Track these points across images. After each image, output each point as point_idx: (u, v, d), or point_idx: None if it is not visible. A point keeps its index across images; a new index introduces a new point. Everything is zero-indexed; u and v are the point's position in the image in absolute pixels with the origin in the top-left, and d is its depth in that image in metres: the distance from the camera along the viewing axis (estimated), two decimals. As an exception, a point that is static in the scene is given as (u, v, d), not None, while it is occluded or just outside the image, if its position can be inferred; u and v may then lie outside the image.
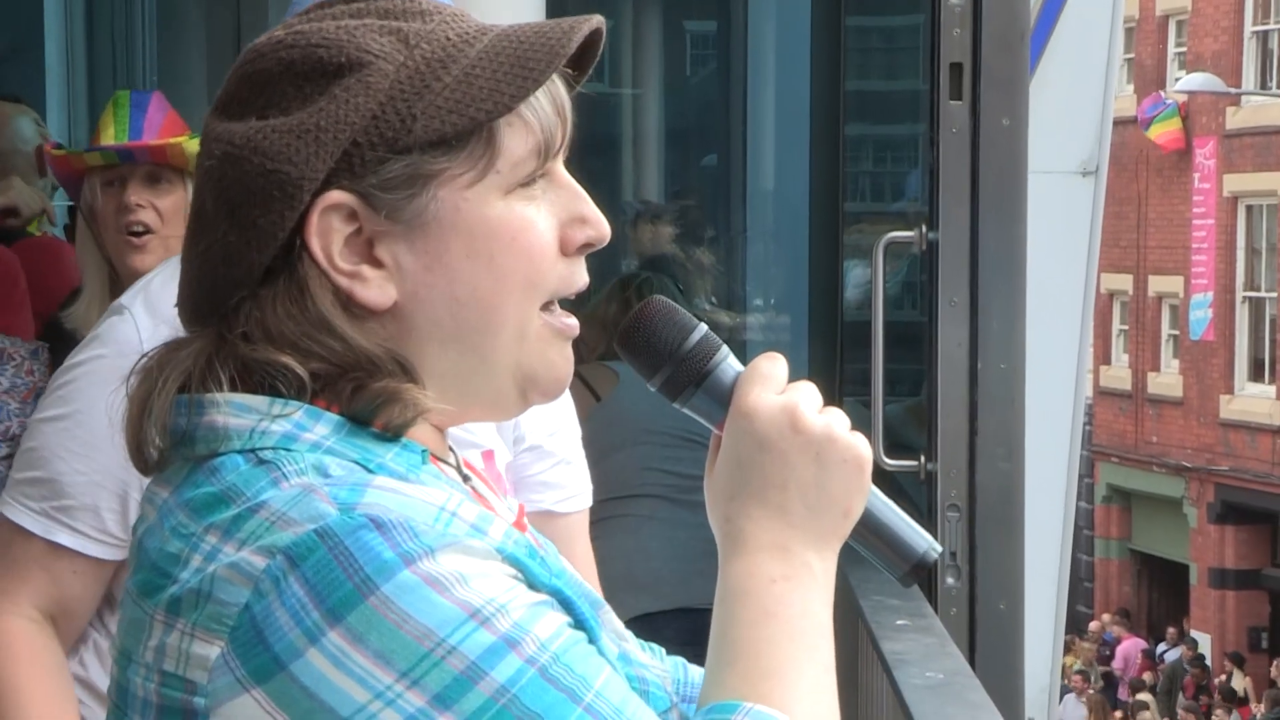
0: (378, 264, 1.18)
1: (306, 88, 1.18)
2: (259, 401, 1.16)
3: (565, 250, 1.23)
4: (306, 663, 1.06)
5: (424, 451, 1.18)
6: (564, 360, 1.24)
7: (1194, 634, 22.98)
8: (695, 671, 1.43)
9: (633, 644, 1.29)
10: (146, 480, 2.07)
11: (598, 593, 1.30)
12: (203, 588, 1.10)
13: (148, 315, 2.17)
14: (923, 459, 3.61)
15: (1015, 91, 3.50)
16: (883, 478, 4.36)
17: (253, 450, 1.14)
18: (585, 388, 4.38)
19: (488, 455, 2.22)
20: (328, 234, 1.17)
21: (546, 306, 1.23)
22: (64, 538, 2.17)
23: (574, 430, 2.42)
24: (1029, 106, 3.58)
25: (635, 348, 1.26)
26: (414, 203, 1.18)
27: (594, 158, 8.60)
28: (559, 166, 1.24)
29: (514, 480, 2.27)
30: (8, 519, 2.24)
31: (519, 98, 1.18)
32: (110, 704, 1.19)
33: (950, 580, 3.50)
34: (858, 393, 5.48)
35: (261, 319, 1.17)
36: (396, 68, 1.18)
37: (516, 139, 1.20)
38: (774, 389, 1.22)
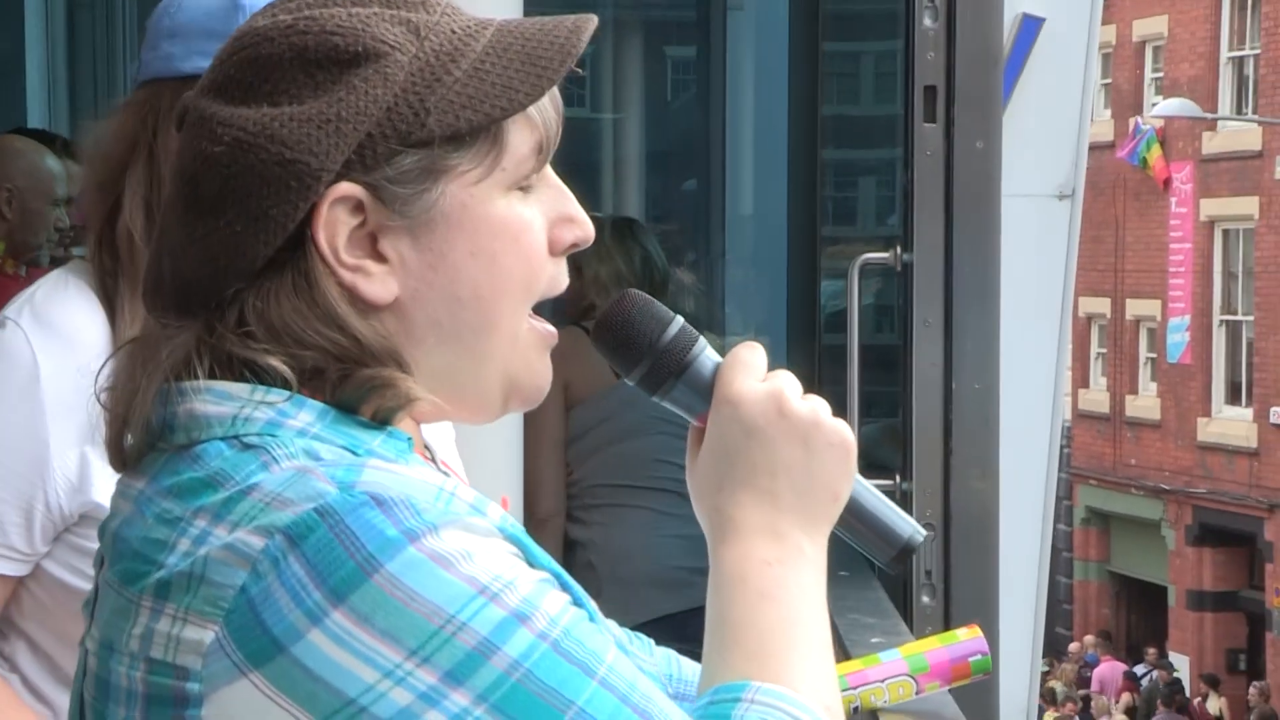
0: (381, 259, 1.17)
1: (318, 75, 1.15)
2: (240, 389, 1.14)
3: (553, 250, 1.22)
4: (308, 644, 1.05)
5: (409, 439, 1.17)
6: (546, 369, 1.24)
7: (1172, 656, 23.02)
8: (689, 666, 1.44)
9: (621, 636, 1.30)
10: (53, 491, 2.04)
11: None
12: (194, 570, 1.08)
13: (36, 325, 2.09)
14: (898, 478, 3.63)
15: (989, 114, 3.53)
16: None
17: (235, 436, 1.13)
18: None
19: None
20: (334, 226, 1.16)
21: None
22: None
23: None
24: (1003, 129, 3.62)
25: (612, 341, 1.24)
26: (424, 198, 1.16)
27: (575, 181, 8.62)
28: (548, 165, 1.23)
29: None
30: None
31: (534, 96, 1.18)
32: (89, 699, 1.17)
33: (925, 599, 3.53)
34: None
35: (263, 311, 1.15)
36: (410, 59, 1.16)
37: (521, 137, 1.20)
38: (756, 376, 1.22)
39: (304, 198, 1.14)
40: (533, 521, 4.01)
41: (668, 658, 1.44)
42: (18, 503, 2.09)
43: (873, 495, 1.27)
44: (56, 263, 4.33)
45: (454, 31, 1.18)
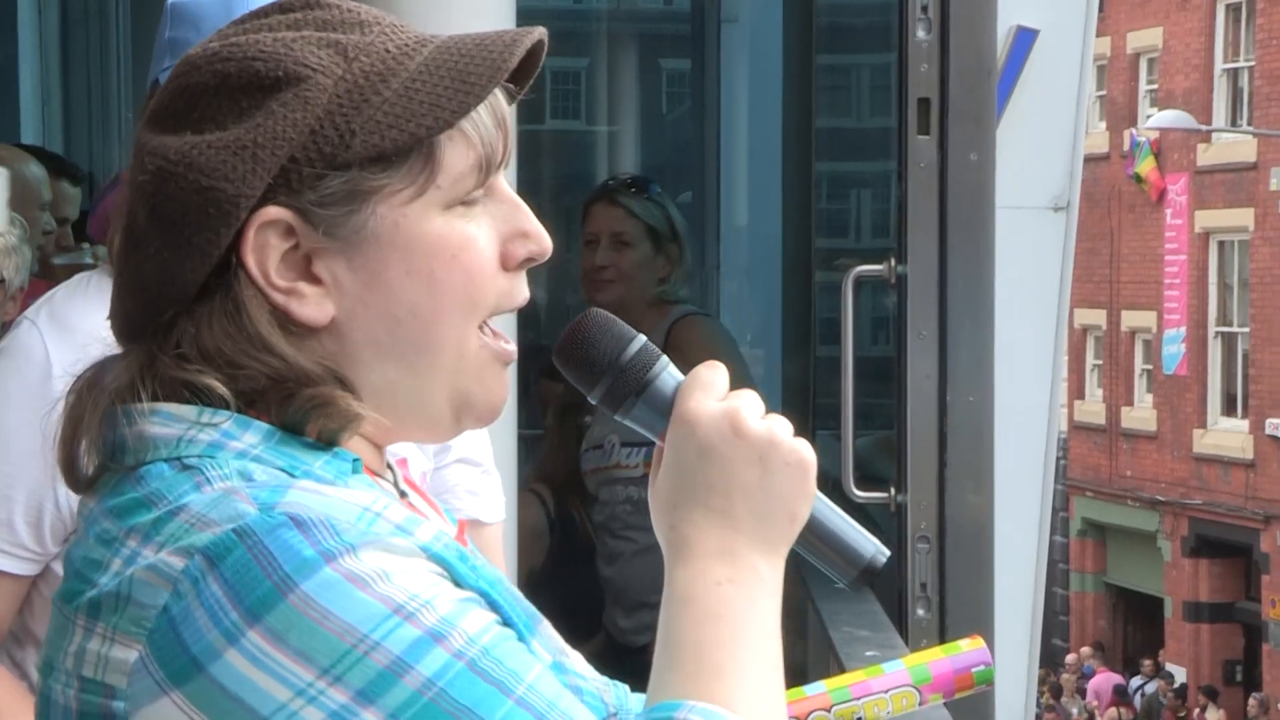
0: (315, 280, 1.18)
1: (243, 101, 1.16)
2: (187, 411, 1.15)
3: (506, 265, 1.22)
4: (226, 663, 1.06)
5: (356, 460, 1.18)
6: (500, 385, 1.23)
7: (1169, 667, 23.02)
8: (634, 698, 1.40)
9: (575, 659, 1.28)
10: (64, 491, 2.04)
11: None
12: (121, 590, 1.10)
13: (52, 325, 2.12)
14: (893, 491, 3.63)
15: (982, 126, 3.53)
16: (854, 510, 4.38)
17: (178, 458, 1.14)
18: None
19: (401, 463, 2.23)
20: (264, 250, 1.16)
21: (482, 325, 1.22)
22: None
23: (488, 439, 2.40)
24: (998, 142, 3.62)
25: (573, 360, 1.24)
26: (352, 219, 1.17)
27: (570, 196, 8.64)
28: (500, 180, 1.22)
29: (436, 490, 2.25)
30: None
31: (460, 113, 1.17)
32: (36, 717, 1.19)
33: (920, 612, 3.52)
34: (830, 426, 5.51)
35: (196, 336, 1.16)
36: (335, 81, 1.16)
37: (457, 154, 1.19)
38: (715, 396, 1.21)
39: (225, 224, 1.15)
40: None
41: (617, 688, 1.39)
42: (28, 501, 2.10)
43: (835, 514, 1.26)
44: (45, 268, 4.32)
45: (387, 51, 1.18)
